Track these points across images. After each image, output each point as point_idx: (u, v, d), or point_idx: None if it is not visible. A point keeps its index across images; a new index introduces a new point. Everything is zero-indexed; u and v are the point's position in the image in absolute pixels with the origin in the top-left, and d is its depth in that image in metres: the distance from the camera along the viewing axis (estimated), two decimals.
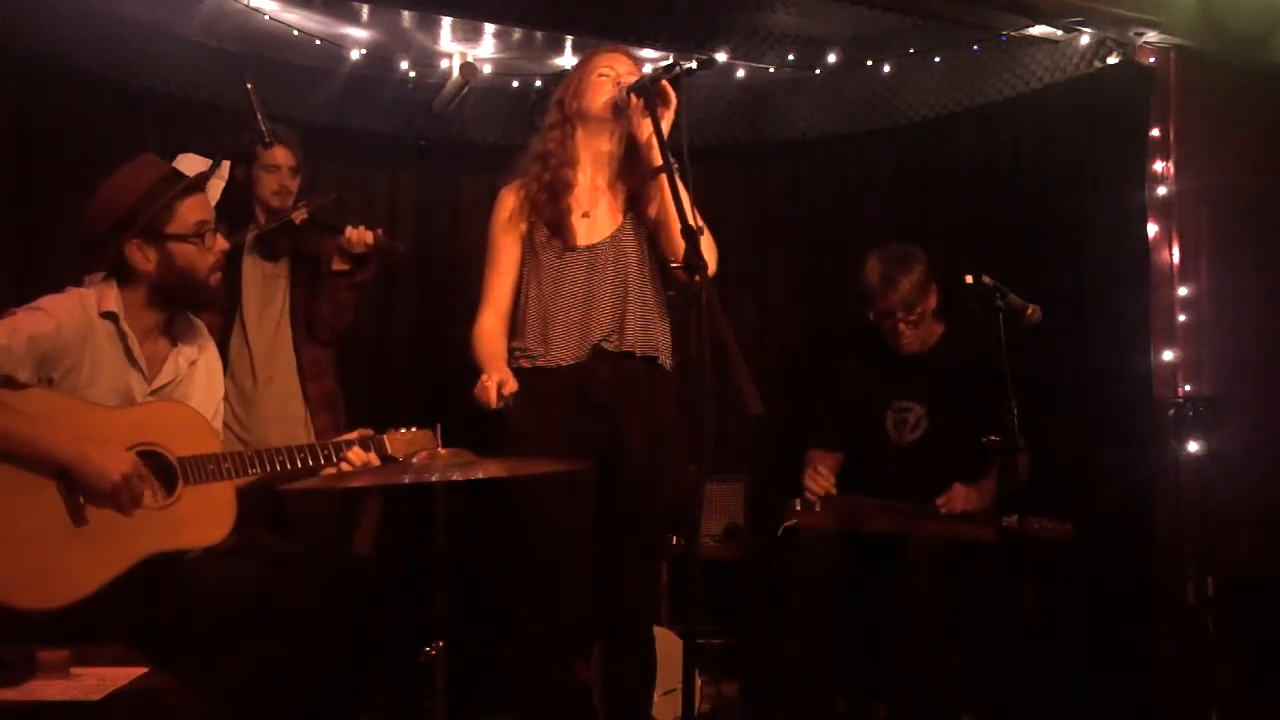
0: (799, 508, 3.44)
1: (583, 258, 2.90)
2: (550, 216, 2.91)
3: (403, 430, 2.67)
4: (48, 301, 2.47)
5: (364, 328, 4.01)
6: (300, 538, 3.39)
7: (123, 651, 2.22)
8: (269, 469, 2.54)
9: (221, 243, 2.62)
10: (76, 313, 2.47)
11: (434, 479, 2.28)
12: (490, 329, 2.94)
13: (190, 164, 3.34)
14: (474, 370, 2.84)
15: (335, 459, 2.59)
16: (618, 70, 2.90)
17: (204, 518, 2.47)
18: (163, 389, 2.60)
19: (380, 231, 3.43)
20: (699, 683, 3.68)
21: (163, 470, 2.46)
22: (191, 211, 2.57)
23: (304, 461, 2.57)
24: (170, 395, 2.61)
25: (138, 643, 2.26)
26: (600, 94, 2.88)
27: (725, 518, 4.22)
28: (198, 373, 2.70)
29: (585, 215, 2.92)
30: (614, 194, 2.95)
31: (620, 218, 2.94)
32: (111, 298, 2.53)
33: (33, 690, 2.00)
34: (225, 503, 2.50)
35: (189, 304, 2.65)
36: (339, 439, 2.65)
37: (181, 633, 2.32)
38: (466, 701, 3.66)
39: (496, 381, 2.69)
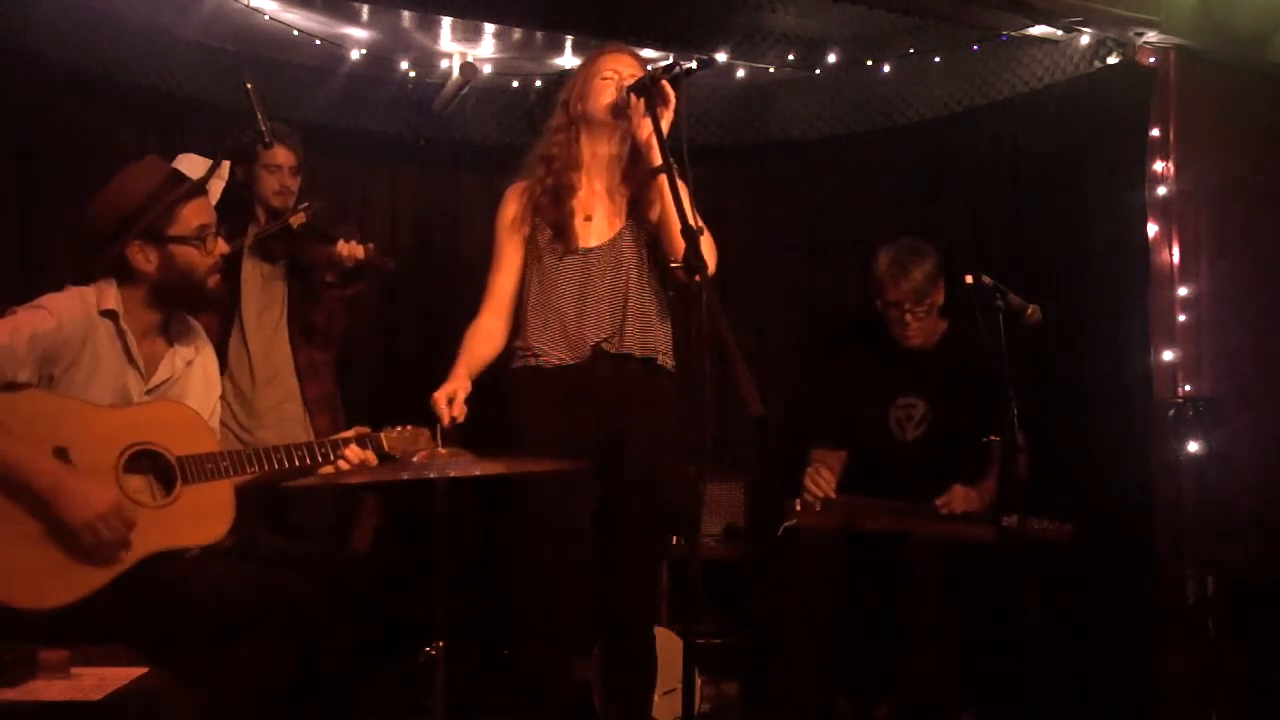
0: (799, 508, 3.44)
1: (584, 260, 2.90)
2: (553, 219, 2.92)
3: (399, 428, 2.67)
4: (48, 300, 2.49)
5: (364, 328, 4.01)
6: (299, 537, 3.39)
7: (123, 651, 2.23)
8: (267, 467, 2.55)
9: (222, 246, 2.64)
10: (77, 310, 2.49)
11: (432, 475, 2.30)
12: (485, 329, 2.94)
13: (190, 164, 3.34)
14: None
15: (333, 457, 2.60)
16: (621, 73, 2.90)
17: (203, 516, 2.47)
18: (159, 387, 2.61)
19: (372, 246, 3.42)
20: (699, 683, 3.68)
21: (161, 469, 2.46)
22: (194, 215, 2.58)
23: (301, 460, 2.58)
24: (166, 394, 2.62)
25: (137, 643, 2.27)
26: (604, 97, 2.88)
27: (725, 518, 4.22)
28: (194, 372, 2.71)
29: (587, 218, 2.93)
30: (616, 197, 2.95)
31: (622, 221, 2.94)
32: (111, 296, 2.54)
33: (33, 690, 2.00)
34: (224, 501, 2.50)
35: (187, 305, 2.66)
36: (336, 437, 2.65)
37: (181, 633, 2.33)
38: (466, 701, 3.67)
39: (445, 398, 2.67)
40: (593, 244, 2.91)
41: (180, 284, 2.57)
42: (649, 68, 2.84)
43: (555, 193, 2.92)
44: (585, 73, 2.97)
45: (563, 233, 2.91)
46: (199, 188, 2.64)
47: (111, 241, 2.53)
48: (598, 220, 2.93)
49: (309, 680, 2.48)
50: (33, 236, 3.59)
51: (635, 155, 2.91)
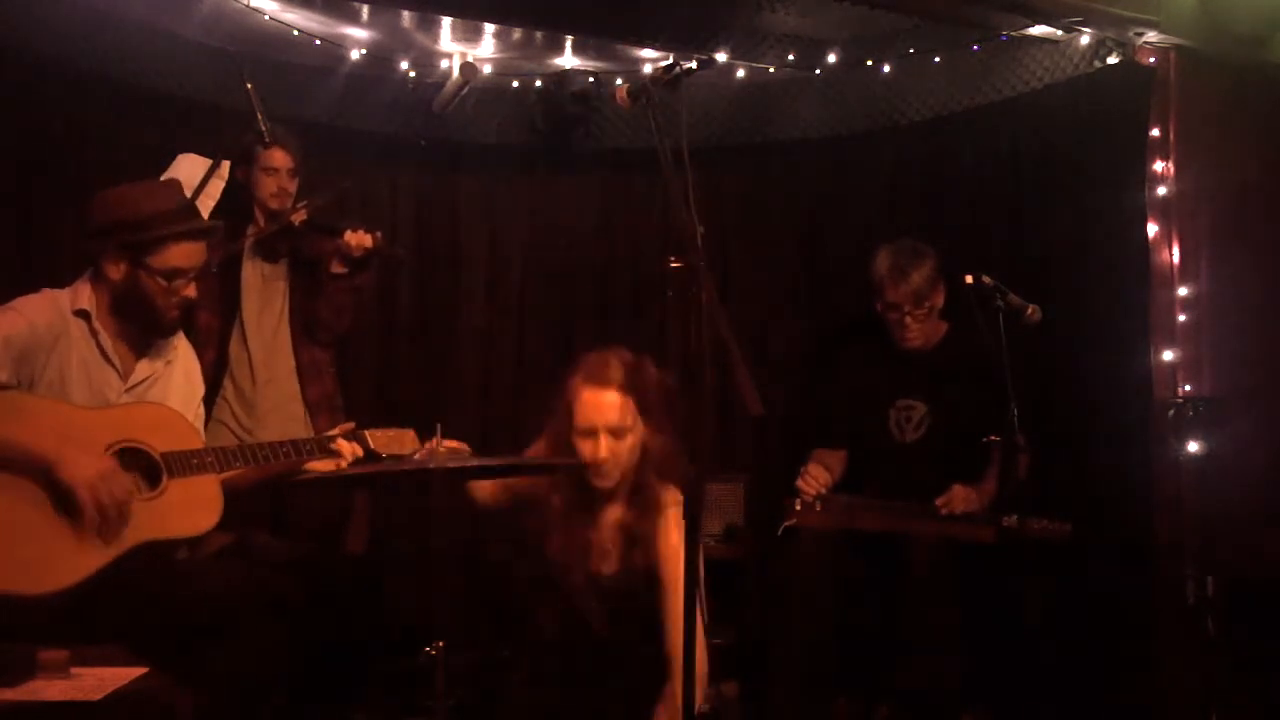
0: (799, 508, 3.43)
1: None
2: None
3: (384, 429, 2.69)
4: (20, 302, 2.51)
5: (364, 327, 4.01)
6: (294, 537, 3.40)
7: (123, 651, 2.23)
8: (252, 464, 2.56)
9: (190, 290, 2.63)
10: (48, 312, 2.51)
11: (431, 466, 2.32)
12: None
13: (190, 164, 3.36)
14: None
15: (319, 453, 2.61)
16: (599, 426, 2.73)
17: (191, 508, 2.49)
18: (139, 385, 2.62)
19: (379, 235, 3.43)
20: None
21: (146, 466, 2.47)
22: (178, 257, 2.58)
23: (287, 456, 2.60)
24: (147, 393, 2.64)
25: (136, 642, 2.27)
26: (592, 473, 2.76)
27: (725, 518, 4.21)
28: (175, 371, 2.72)
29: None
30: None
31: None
32: (85, 296, 2.57)
33: (33, 690, 2.01)
34: (211, 494, 2.52)
35: (142, 326, 2.65)
36: (322, 435, 2.69)
37: (179, 633, 2.33)
38: (467, 702, 3.67)
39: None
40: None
41: (136, 306, 2.59)
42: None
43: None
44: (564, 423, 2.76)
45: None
46: (200, 232, 2.64)
47: (95, 237, 2.55)
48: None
49: (307, 679, 2.49)
50: (32, 236, 3.59)
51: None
